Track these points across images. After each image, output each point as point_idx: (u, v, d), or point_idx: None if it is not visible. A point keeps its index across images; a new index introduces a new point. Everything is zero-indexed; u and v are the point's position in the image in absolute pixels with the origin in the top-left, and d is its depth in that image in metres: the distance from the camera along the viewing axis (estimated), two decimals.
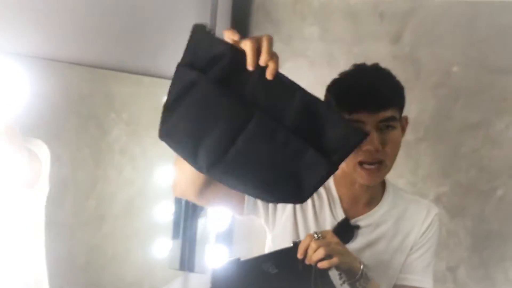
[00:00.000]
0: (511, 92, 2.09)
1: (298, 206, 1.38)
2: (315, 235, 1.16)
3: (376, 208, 1.39)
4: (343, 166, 1.31)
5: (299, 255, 1.14)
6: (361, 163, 1.27)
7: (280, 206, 1.39)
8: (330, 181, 1.40)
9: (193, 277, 2.11)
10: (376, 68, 1.35)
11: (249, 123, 0.99)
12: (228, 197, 1.33)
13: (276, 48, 1.93)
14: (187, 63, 1.03)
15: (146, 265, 1.84)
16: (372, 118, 1.24)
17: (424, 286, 1.38)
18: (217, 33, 2.03)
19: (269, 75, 0.98)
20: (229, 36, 1.02)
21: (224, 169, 1.02)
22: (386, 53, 2.19)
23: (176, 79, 1.05)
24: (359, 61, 1.47)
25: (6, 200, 1.18)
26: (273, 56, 0.98)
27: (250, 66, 0.98)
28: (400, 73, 2.15)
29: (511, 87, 2.09)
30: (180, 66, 1.04)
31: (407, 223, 1.39)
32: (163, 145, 1.89)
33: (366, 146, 1.24)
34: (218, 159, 1.01)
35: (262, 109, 1.00)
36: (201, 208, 2.04)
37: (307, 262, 1.13)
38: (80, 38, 1.36)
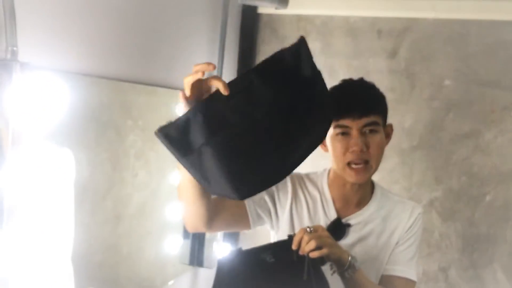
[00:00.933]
0: (499, 104, 2.13)
1: (294, 210, 1.45)
2: (308, 229, 1.24)
3: (365, 208, 1.47)
4: (334, 168, 1.43)
5: (294, 247, 1.22)
6: (349, 164, 1.37)
7: (280, 212, 1.46)
8: (324, 184, 1.48)
9: (202, 271, 2.15)
10: (360, 81, 1.46)
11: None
12: (235, 222, 1.44)
13: None
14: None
15: (158, 262, 1.87)
16: (356, 123, 1.34)
17: (407, 276, 1.43)
18: (227, 46, 2.08)
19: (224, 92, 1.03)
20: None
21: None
22: (383, 67, 2.24)
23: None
24: (359, 74, 1.52)
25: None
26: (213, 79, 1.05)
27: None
28: (396, 86, 2.22)
29: (499, 100, 2.13)
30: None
31: (394, 221, 1.47)
32: None
33: (352, 148, 1.34)
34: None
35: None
36: None
37: (300, 252, 1.21)
38: (101, 55, 1.41)
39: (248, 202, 1.42)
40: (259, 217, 1.45)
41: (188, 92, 1.07)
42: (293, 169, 1.17)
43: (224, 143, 1.02)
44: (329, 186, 1.48)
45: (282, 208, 1.46)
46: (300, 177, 1.51)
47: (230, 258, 1.24)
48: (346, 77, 1.48)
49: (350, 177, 1.39)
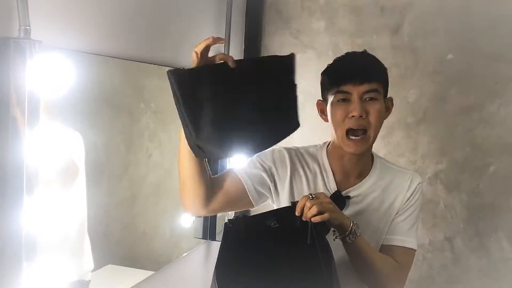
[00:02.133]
0: (502, 76, 2.09)
1: (294, 184, 1.42)
2: (310, 196, 1.23)
3: (365, 180, 1.43)
4: (334, 139, 1.40)
5: (296, 213, 1.22)
6: (348, 134, 1.34)
7: (279, 187, 1.43)
8: (324, 157, 1.44)
9: (215, 244, 2.14)
10: (363, 52, 1.44)
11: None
12: (233, 203, 1.40)
13: (287, 42, 1.97)
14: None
15: (173, 238, 1.86)
16: (356, 89, 1.32)
17: (407, 246, 1.41)
18: (233, 27, 2.05)
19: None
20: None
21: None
22: (386, 43, 2.18)
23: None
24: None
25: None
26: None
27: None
28: (400, 62, 2.17)
29: (502, 72, 2.09)
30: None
31: (393, 191, 1.43)
32: None
33: (352, 113, 1.31)
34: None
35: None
36: None
37: (303, 218, 1.21)
38: (112, 34, 1.37)
39: (246, 182, 1.39)
40: (260, 194, 1.42)
41: (199, 54, 1.13)
42: (265, 149, 1.31)
43: (224, 101, 1.11)
44: (329, 158, 1.44)
45: (282, 184, 1.42)
46: (298, 151, 1.48)
47: (236, 221, 1.23)
48: None
49: (349, 147, 1.35)
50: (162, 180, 1.75)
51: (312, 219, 1.20)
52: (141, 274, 1.59)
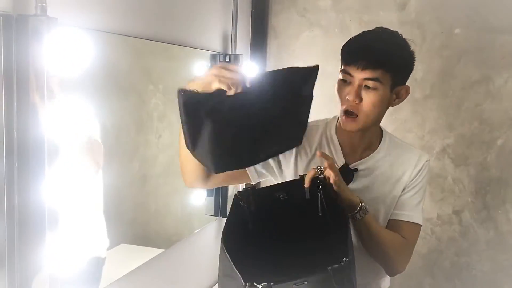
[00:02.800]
0: (509, 50, 2.00)
1: (299, 160, 1.36)
2: (318, 169, 1.20)
3: (373, 154, 1.38)
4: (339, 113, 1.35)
5: (306, 185, 1.19)
6: (345, 111, 1.29)
7: (284, 165, 1.38)
8: (332, 130, 1.39)
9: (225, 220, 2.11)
10: (380, 32, 1.32)
11: None
12: (232, 179, 1.38)
13: (293, 20, 1.87)
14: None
15: (185, 217, 1.82)
16: (359, 73, 1.24)
17: (414, 221, 1.37)
18: (240, 5, 1.98)
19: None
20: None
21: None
22: (393, 19, 2.09)
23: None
24: (369, 28, 1.39)
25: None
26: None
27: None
28: (407, 38, 2.08)
29: (509, 46, 2.00)
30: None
31: (400, 168, 1.38)
32: None
33: (347, 95, 1.26)
34: None
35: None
36: None
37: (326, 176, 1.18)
38: (124, 11, 1.32)
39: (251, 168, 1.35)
40: (260, 174, 1.38)
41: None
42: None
43: (222, 124, 1.07)
44: (338, 132, 1.39)
45: (287, 162, 1.37)
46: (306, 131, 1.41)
47: (245, 195, 1.19)
48: (358, 32, 1.36)
49: (343, 123, 1.30)
50: (172, 160, 1.70)
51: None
52: (153, 252, 1.55)
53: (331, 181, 1.18)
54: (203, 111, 1.05)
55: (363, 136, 1.36)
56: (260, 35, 2.24)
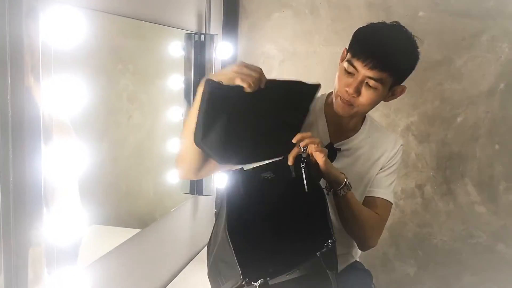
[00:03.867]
0: (469, 32, 1.90)
1: None
2: (301, 148, 1.14)
3: (356, 135, 1.34)
4: (333, 94, 1.28)
5: (289, 163, 1.14)
6: (341, 99, 1.24)
7: None
8: (321, 109, 1.33)
9: (201, 199, 2.00)
10: (397, 30, 1.25)
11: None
12: (222, 167, 1.28)
13: (264, 0, 1.69)
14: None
15: (157, 197, 1.67)
16: (364, 70, 1.17)
17: (387, 198, 1.36)
18: None
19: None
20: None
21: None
22: (361, 2, 1.95)
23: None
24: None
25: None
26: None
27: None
28: (373, 19, 1.94)
29: (469, 28, 1.90)
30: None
31: (379, 149, 1.36)
32: (167, 92, 1.70)
33: (346, 87, 1.20)
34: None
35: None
36: None
37: (309, 151, 1.13)
38: None
39: None
40: None
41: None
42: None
43: (236, 119, 1.06)
44: (325, 111, 1.33)
45: None
46: None
47: (233, 175, 1.11)
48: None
49: (336, 106, 1.25)
50: (142, 142, 1.55)
51: (314, 156, 1.13)
52: (128, 233, 1.41)
53: (320, 160, 1.13)
54: (224, 103, 1.03)
55: (350, 120, 1.31)
56: (231, 15, 2.07)
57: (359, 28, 1.25)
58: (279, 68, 2.07)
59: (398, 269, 2.06)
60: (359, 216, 1.25)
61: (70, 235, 0.93)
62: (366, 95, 1.19)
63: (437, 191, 2.00)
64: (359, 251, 1.46)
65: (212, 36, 1.81)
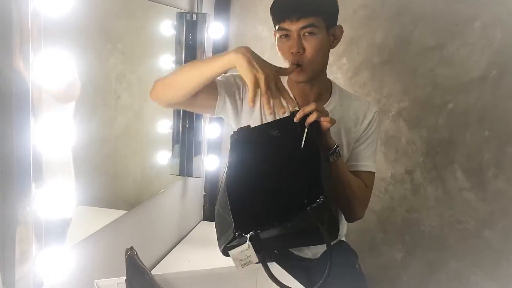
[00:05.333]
0: (462, 17, 1.90)
1: (263, 109, 1.30)
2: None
3: (326, 104, 1.33)
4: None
5: (296, 120, 1.13)
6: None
7: (247, 110, 1.32)
8: (284, 82, 1.31)
9: (191, 180, 2.00)
10: None
11: None
12: (199, 107, 1.31)
13: None
14: None
15: (145, 178, 1.67)
16: (294, 25, 1.22)
17: (370, 170, 1.36)
18: None
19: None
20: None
21: None
22: None
23: None
24: None
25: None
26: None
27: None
28: (367, 3, 1.95)
29: (462, 14, 1.90)
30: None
31: (352, 118, 1.36)
32: (157, 72, 1.68)
33: (291, 49, 1.23)
34: None
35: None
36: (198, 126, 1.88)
37: (306, 124, 1.13)
38: None
39: (221, 91, 1.28)
40: (224, 108, 1.31)
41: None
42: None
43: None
44: (288, 84, 1.34)
45: (251, 109, 1.32)
46: None
47: (240, 134, 1.15)
48: None
49: (293, 76, 1.27)
50: (131, 122, 1.53)
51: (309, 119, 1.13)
52: (116, 214, 1.41)
53: (327, 121, 1.13)
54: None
55: (313, 86, 1.31)
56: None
57: (272, 3, 1.28)
58: (271, 50, 2.05)
59: (386, 254, 2.09)
60: (349, 186, 1.26)
61: (59, 214, 0.92)
62: (309, 46, 1.22)
63: (427, 177, 2.02)
64: (345, 230, 1.47)
65: (204, 15, 1.79)
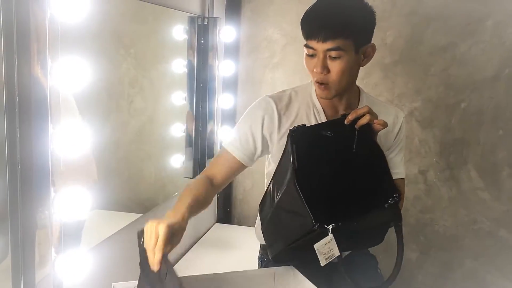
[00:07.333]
0: (474, 17, 1.88)
1: (282, 129, 1.29)
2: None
3: None
4: None
5: (347, 122, 1.16)
6: (316, 82, 1.23)
7: (270, 142, 1.30)
8: (313, 95, 1.31)
9: None
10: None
11: None
12: (235, 175, 1.32)
13: None
14: None
15: (159, 182, 1.69)
16: (320, 46, 1.17)
17: (403, 176, 1.38)
18: None
19: None
20: None
21: None
22: None
23: None
24: None
25: None
26: None
27: None
28: (377, 4, 1.94)
29: (474, 13, 1.88)
30: None
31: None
32: (170, 76, 1.70)
33: (315, 68, 1.20)
34: None
35: None
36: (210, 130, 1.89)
37: (356, 126, 1.15)
38: None
39: (242, 159, 1.28)
40: (254, 160, 1.31)
41: None
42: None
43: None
44: (318, 98, 1.31)
45: (272, 139, 1.29)
46: (286, 95, 1.32)
47: (297, 132, 1.17)
48: None
49: (318, 92, 1.26)
50: (144, 126, 1.55)
51: (360, 122, 1.15)
52: (131, 217, 1.43)
53: (380, 123, 1.15)
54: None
55: (342, 98, 1.29)
56: None
57: (306, 11, 1.23)
58: (282, 52, 2.06)
59: None
60: None
61: (77, 217, 0.93)
62: (334, 68, 1.18)
63: (440, 177, 2.01)
64: None
65: (215, 19, 1.80)
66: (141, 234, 0.96)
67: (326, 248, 1.03)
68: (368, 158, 1.15)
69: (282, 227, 1.12)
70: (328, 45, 1.15)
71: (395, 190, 1.08)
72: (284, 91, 1.34)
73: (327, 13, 1.18)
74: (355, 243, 1.19)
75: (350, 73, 1.22)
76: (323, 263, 1.05)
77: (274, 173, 1.20)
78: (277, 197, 1.13)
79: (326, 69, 1.18)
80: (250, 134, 1.28)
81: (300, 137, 1.15)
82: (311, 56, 1.20)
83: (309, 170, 1.10)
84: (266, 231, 1.21)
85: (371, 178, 1.12)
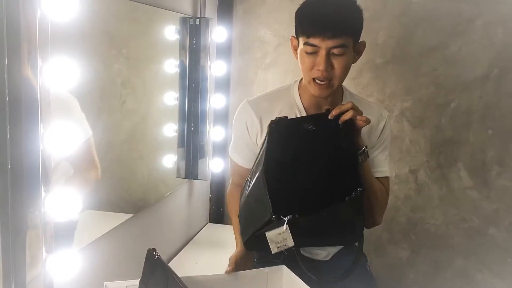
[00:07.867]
0: (464, 17, 1.90)
1: (264, 128, 1.31)
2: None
3: None
4: (304, 81, 1.27)
5: (330, 116, 1.17)
6: (314, 79, 1.21)
7: (260, 132, 1.34)
8: (296, 95, 1.33)
9: (197, 183, 2.02)
10: None
11: None
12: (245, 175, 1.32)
13: None
14: None
15: (151, 182, 1.68)
16: (325, 43, 1.17)
17: (387, 175, 1.37)
18: None
19: None
20: None
21: None
22: None
23: None
24: None
25: None
26: None
27: None
28: (369, 5, 1.95)
29: (464, 13, 1.90)
30: None
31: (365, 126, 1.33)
32: (162, 77, 1.69)
33: (318, 67, 1.19)
34: None
35: None
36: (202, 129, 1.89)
37: (340, 121, 1.17)
38: None
39: (248, 163, 1.35)
40: (252, 150, 1.35)
41: None
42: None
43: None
44: (301, 95, 1.33)
45: (259, 136, 1.34)
46: (265, 98, 1.36)
47: (277, 124, 1.18)
48: None
49: (314, 91, 1.24)
50: (137, 127, 1.55)
51: (344, 117, 1.16)
52: (122, 217, 1.42)
53: (363, 120, 1.15)
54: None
55: (328, 96, 1.29)
56: None
57: (297, 9, 1.24)
58: (274, 53, 2.06)
59: (391, 253, 2.09)
60: (372, 189, 1.25)
61: (68, 218, 0.93)
62: (338, 65, 1.19)
63: (431, 176, 2.02)
64: None
65: (207, 20, 1.80)
66: None
67: (280, 238, 1.05)
68: (345, 154, 1.15)
69: (251, 215, 1.14)
70: (334, 42, 1.16)
71: (358, 184, 1.06)
72: (265, 94, 1.38)
73: (329, 11, 1.19)
74: (320, 238, 1.19)
75: (348, 70, 1.24)
76: (274, 251, 1.07)
77: (254, 163, 1.22)
78: (250, 186, 1.15)
79: (331, 66, 1.19)
80: (242, 141, 1.35)
81: (279, 129, 1.17)
82: (310, 54, 1.19)
83: (283, 162, 1.12)
84: (240, 218, 1.23)
85: (341, 174, 1.12)
